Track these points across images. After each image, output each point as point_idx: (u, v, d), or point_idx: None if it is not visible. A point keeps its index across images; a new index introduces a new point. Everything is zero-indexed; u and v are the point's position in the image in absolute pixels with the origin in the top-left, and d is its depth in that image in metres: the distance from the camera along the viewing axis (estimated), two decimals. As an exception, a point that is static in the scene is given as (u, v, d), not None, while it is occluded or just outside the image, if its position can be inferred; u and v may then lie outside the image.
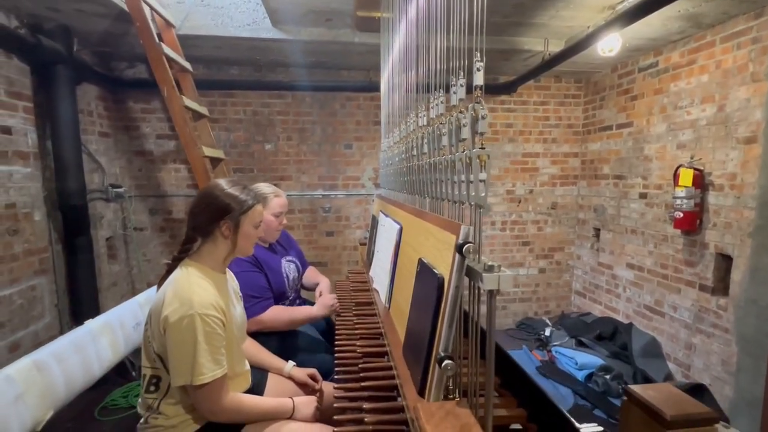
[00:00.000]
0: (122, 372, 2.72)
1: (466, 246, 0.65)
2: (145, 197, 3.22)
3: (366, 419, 0.85)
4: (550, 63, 2.75)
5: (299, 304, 1.82)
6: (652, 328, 2.85)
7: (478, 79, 0.67)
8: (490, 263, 0.64)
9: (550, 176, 3.67)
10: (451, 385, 0.85)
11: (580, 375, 2.73)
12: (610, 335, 3.01)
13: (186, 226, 1.10)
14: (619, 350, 2.85)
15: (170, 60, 2.23)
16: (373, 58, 2.95)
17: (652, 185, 2.82)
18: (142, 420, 1.03)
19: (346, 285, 1.97)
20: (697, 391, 2.40)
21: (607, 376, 2.60)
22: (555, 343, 3.15)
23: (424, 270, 0.86)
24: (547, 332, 3.33)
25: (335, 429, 0.89)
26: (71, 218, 2.47)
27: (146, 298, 1.64)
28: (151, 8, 2.16)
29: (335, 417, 0.93)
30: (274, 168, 3.34)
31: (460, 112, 0.76)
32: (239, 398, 1.05)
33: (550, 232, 3.73)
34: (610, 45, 2.36)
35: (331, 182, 3.43)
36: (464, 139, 0.75)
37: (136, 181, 3.20)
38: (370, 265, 1.80)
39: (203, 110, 2.51)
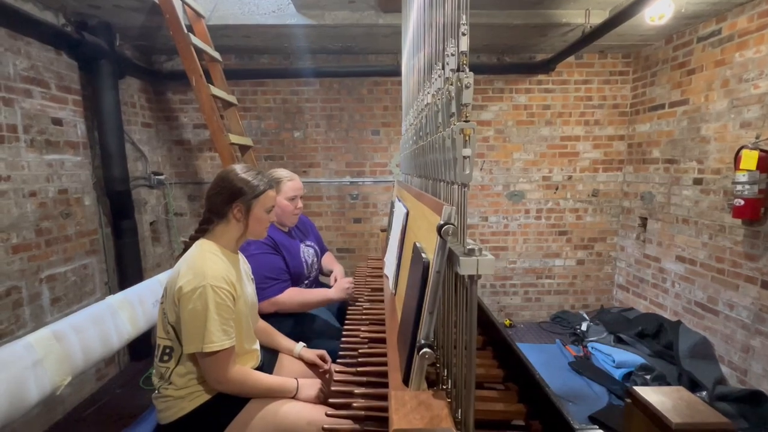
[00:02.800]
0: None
1: (445, 227, 0.60)
2: (185, 184, 3.41)
3: (354, 404, 0.84)
4: (592, 36, 2.53)
5: (316, 288, 1.84)
6: (704, 327, 2.59)
7: (463, 44, 0.61)
8: (471, 246, 0.59)
9: (591, 161, 3.41)
10: (445, 374, 0.81)
11: (618, 374, 2.56)
12: (654, 333, 2.78)
13: (204, 208, 1.15)
14: (663, 349, 2.63)
15: (199, 50, 2.30)
16: (399, 41, 2.87)
17: (709, 169, 2.52)
18: (156, 390, 1.10)
19: (364, 271, 1.97)
20: (755, 398, 2.16)
21: (648, 377, 2.41)
22: (591, 339, 2.97)
23: (415, 254, 0.82)
24: (584, 327, 3.14)
25: (327, 412, 0.88)
26: (117, 203, 2.67)
27: (166, 276, 1.74)
28: (182, 0, 2.24)
29: (330, 400, 0.93)
30: (303, 155, 3.39)
31: (451, 84, 0.70)
32: (245, 372, 1.09)
33: (590, 221, 3.49)
34: (659, 11, 2.11)
35: (358, 169, 3.42)
36: (453, 114, 0.69)
37: (176, 169, 3.38)
38: (386, 251, 1.78)
39: (231, 99, 2.58)
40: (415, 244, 0.85)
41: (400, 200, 1.52)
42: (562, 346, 3.04)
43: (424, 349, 0.62)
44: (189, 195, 3.43)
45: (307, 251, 1.80)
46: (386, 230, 2.25)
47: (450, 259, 0.64)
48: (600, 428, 0.69)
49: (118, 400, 2.44)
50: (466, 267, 0.57)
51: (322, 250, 1.95)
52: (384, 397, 0.89)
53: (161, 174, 3.19)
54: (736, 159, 2.21)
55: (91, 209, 2.54)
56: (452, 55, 0.69)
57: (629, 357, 2.62)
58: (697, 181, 2.62)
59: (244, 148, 2.64)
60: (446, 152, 0.71)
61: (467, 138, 0.61)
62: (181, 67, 3.19)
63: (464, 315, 0.68)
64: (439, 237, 0.62)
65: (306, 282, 1.77)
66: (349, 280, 1.67)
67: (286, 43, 2.96)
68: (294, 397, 1.13)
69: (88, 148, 2.52)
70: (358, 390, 0.89)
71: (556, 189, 3.45)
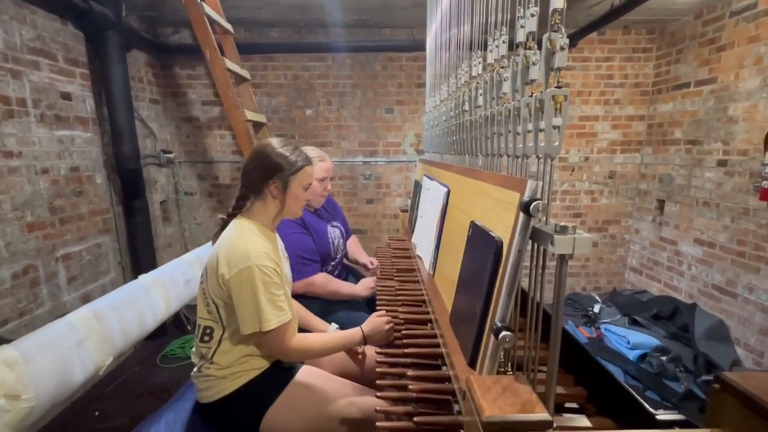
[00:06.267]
0: (179, 325, 2.96)
1: (534, 204, 0.56)
2: (194, 163, 3.34)
3: (410, 386, 0.81)
4: (620, 10, 2.41)
5: (341, 270, 1.82)
6: (720, 309, 2.59)
7: (559, 0, 0.55)
8: (562, 224, 0.54)
9: (609, 142, 3.34)
10: (502, 357, 0.79)
11: (632, 355, 2.57)
12: (669, 315, 2.79)
13: (240, 183, 1.11)
14: (678, 331, 2.64)
15: (212, 21, 2.20)
16: (418, 13, 2.75)
17: (735, 151, 2.46)
18: (195, 368, 1.08)
19: (387, 252, 1.94)
20: (770, 379, 2.18)
21: (664, 358, 2.42)
22: (604, 321, 2.98)
23: (477, 233, 0.78)
24: (596, 309, 3.15)
25: (377, 394, 0.86)
26: (128, 182, 2.61)
27: (195, 256, 1.71)
28: (192, -33, 2.12)
29: (378, 382, 0.91)
30: (315, 134, 3.31)
31: (528, 48, 0.65)
32: (306, 341, 1.08)
33: (605, 204, 3.45)
34: (698, -17, 2.00)
35: (371, 148, 3.35)
36: (533, 81, 0.64)
37: (185, 147, 3.31)
38: (413, 231, 1.74)
39: (245, 74, 2.48)
40: (474, 223, 0.81)
41: (432, 179, 1.47)
42: (575, 327, 3.05)
43: (504, 332, 0.59)
44: (199, 174, 3.36)
45: (333, 232, 1.77)
46: (408, 211, 2.21)
47: (533, 237, 0.60)
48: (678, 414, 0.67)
49: (137, 378, 2.45)
50: (561, 245, 0.53)
51: (348, 233, 1.92)
52: (436, 379, 0.87)
53: (170, 152, 3.11)
54: (767, 140, 2.15)
55: (103, 187, 2.49)
56: (532, 16, 0.63)
57: (644, 339, 2.63)
58: (722, 163, 2.56)
59: (257, 126, 2.57)
60: (522, 123, 0.66)
61: (558, 106, 0.56)
62: (189, 40, 3.09)
63: (540, 296, 0.65)
64: (522, 214, 0.58)
65: (332, 263, 1.74)
66: (373, 279, 1.65)
67: (299, 16, 2.84)
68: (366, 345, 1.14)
69: (97, 124, 2.44)
70: (411, 372, 0.86)
71: (573, 170, 3.39)
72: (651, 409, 0.64)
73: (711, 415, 0.60)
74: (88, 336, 0.95)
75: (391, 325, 1.14)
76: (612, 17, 2.52)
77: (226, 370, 1.02)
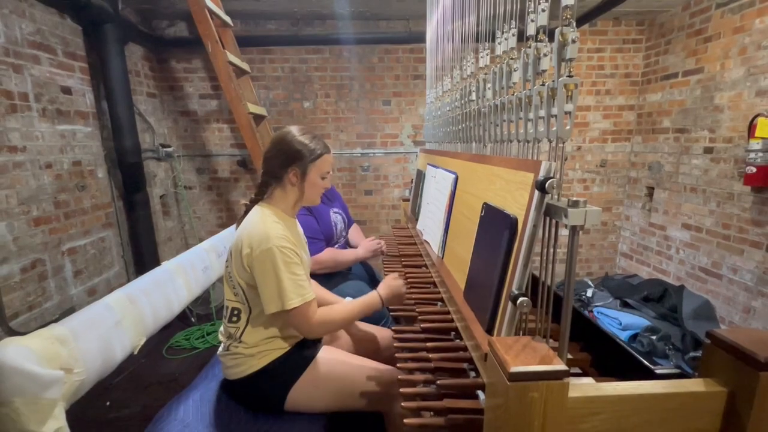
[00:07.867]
0: (183, 318, 2.99)
1: (549, 182, 0.62)
2: (192, 157, 3.34)
3: (430, 356, 0.88)
4: (612, 2, 2.48)
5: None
6: (707, 290, 2.72)
7: (569, -3, 0.61)
8: (574, 199, 0.61)
9: (601, 131, 3.44)
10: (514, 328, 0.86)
11: (624, 335, 2.69)
12: (659, 297, 2.91)
13: (261, 171, 1.14)
14: (667, 312, 2.76)
15: (212, 14, 2.21)
16: (414, 5, 2.79)
17: (721, 138, 2.57)
18: (222, 347, 1.13)
19: (391, 240, 2.00)
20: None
21: (654, 337, 2.54)
22: (597, 304, 3.09)
23: (490, 213, 0.85)
24: (589, 293, 3.26)
25: (398, 365, 0.93)
26: (129, 176, 2.62)
27: (210, 245, 1.75)
28: (191, -41, 2.12)
29: (397, 355, 0.98)
30: (313, 126, 3.33)
31: (540, 41, 0.70)
32: (326, 315, 1.08)
33: (597, 192, 3.55)
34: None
35: (369, 140, 3.39)
36: (544, 71, 0.70)
37: (183, 141, 3.31)
38: (417, 219, 1.80)
39: (245, 66, 2.50)
40: (487, 204, 0.87)
41: (437, 167, 1.53)
42: (569, 311, 3.17)
43: (522, 299, 0.66)
44: (197, 168, 3.37)
45: (335, 217, 1.84)
46: (409, 200, 2.27)
47: (547, 212, 0.66)
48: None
49: (144, 369, 2.49)
50: (574, 218, 0.59)
51: (349, 221, 1.98)
52: (452, 349, 0.94)
53: (169, 146, 3.11)
54: (751, 127, 2.25)
55: (104, 182, 2.50)
56: (543, 10, 0.69)
57: (635, 320, 2.75)
58: (708, 150, 2.67)
59: (258, 118, 2.59)
60: (534, 110, 0.72)
61: (570, 93, 0.62)
62: (185, 33, 3.08)
63: (553, 268, 0.71)
64: (537, 192, 0.64)
65: (335, 247, 1.80)
66: (377, 241, 1.74)
67: (296, 8, 2.85)
68: (383, 306, 1.17)
69: (97, 118, 2.44)
70: (430, 344, 0.93)
71: (566, 160, 3.47)
72: (650, 365, 0.72)
73: (703, 368, 0.67)
74: (124, 317, 1.00)
75: (405, 286, 1.19)
76: (603, 9, 2.59)
77: (253, 349, 1.07)
